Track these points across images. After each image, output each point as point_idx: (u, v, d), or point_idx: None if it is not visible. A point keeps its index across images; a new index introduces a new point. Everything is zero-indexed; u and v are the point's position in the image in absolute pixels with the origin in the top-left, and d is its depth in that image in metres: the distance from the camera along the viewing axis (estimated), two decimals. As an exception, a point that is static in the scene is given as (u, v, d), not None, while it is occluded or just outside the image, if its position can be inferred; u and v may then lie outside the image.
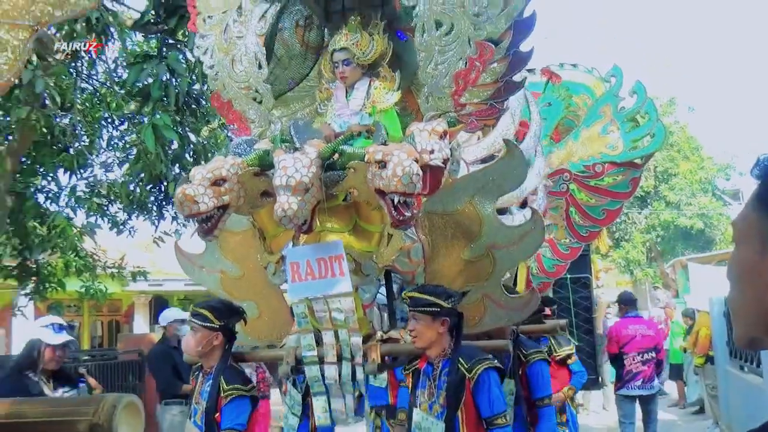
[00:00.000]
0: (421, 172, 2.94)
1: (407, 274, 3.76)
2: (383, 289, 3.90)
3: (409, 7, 3.46)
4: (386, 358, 3.58)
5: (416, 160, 2.96)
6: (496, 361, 3.65)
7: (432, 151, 3.12)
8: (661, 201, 25.95)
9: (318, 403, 3.40)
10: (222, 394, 3.61)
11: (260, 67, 3.66)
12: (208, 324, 3.66)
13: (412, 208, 3.00)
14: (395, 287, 3.91)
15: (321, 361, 3.29)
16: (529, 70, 6.19)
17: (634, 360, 8.37)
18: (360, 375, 3.36)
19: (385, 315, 3.94)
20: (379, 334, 3.60)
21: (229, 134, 4.00)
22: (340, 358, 3.29)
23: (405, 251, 3.59)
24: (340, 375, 3.30)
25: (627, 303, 9.07)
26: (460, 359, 3.52)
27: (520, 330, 4.69)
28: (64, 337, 4.83)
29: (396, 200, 2.93)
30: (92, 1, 1.70)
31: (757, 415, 7.09)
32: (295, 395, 4.59)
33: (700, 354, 10.81)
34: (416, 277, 3.75)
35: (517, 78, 3.53)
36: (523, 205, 4.52)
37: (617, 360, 8.59)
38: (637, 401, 8.51)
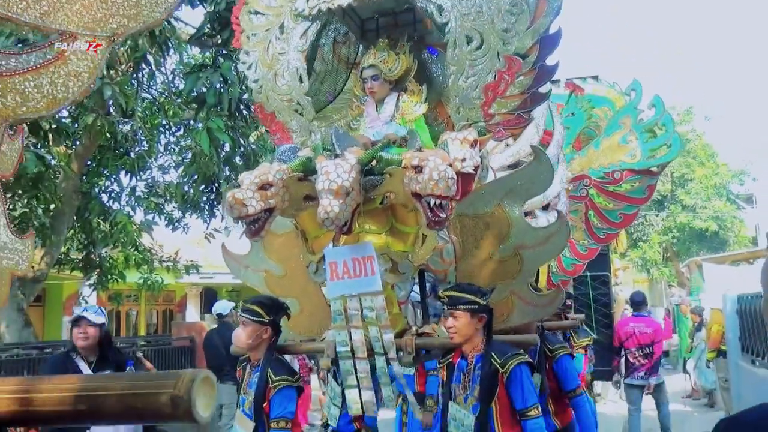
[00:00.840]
0: (455, 176, 2.91)
1: (440, 273, 3.73)
2: (417, 288, 3.87)
3: (442, 23, 3.41)
4: (421, 351, 3.55)
5: (450, 165, 2.93)
6: (527, 356, 3.58)
7: (464, 159, 3.09)
8: (678, 204, 25.71)
9: (350, 395, 3.38)
10: (270, 385, 3.64)
11: (301, 81, 3.67)
12: (259, 319, 3.69)
13: (447, 211, 2.98)
14: (428, 285, 3.88)
15: (353, 354, 3.28)
16: (553, 82, 6.15)
17: (635, 354, 8.63)
18: (397, 368, 3.33)
19: (419, 311, 3.91)
20: (414, 328, 3.58)
21: (274, 140, 3.98)
22: (372, 354, 3.26)
23: (438, 251, 3.57)
24: (373, 369, 3.27)
25: (635, 303, 9.21)
26: (493, 354, 3.47)
27: (545, 326, 4.61)
28: (93, 317, 4.74)
29: (432, 203, 2.91)
30: (163, 13, 1.71)
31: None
32: (336, 387, 4.55)
33: (712, 349, 10.71)
34: (448, 275, 3.72)
35: (542, 90, 3.49)
36: (546, 208, 4.47)
37: (621, 353, 8.88)
38: (645, 390, 8.74)
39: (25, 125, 7.67)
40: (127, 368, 5.09)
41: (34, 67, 1.57)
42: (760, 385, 7.58)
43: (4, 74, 1.55)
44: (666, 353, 13.25)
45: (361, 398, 3.36)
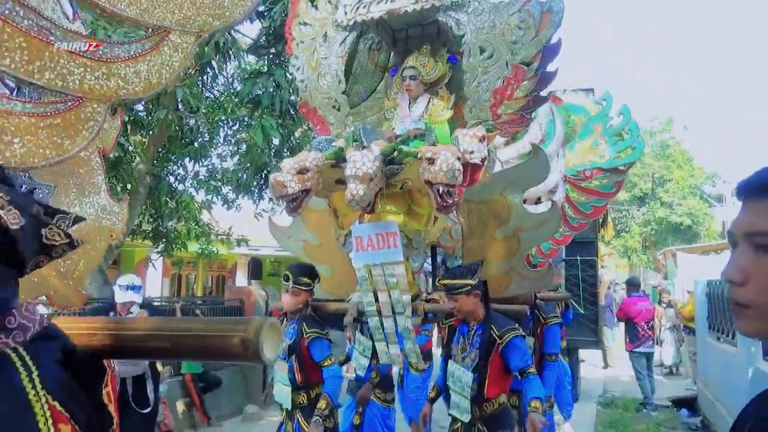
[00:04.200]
0: (462, 168, 2.89)
1: (449, 249, 3.71)
2: (429, 260, 3.84)
3: (459, 36, 3.34)
4: (428, 313, 3.53)
5: (459, 159, 2.89)
6: (520, 329, 3.56)
7: (472, 152, 3.06)
8: (657, 201, 25.50)
9: (380, 347, 3.37)
10: (304, 335, 3.70)
11: (339, 82, 3.64)
12: (307, 288, 3.76)
13: (454, 197, 2.94)
14: (439, 259, 3.85)
15: (379, 313, 3.26)
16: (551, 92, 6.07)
17: (643, 328, 9.21)
18: (409, 324, 3.32)
19: (430, 280, 3.88)
20: (423, 294, 3.55)
21: (315, 131, 3.95)
22: (394, 312, 3.24)
23: (447, 230, 3.54)
24: (396, 326, 3.26)
25: (633, 285, 10.05)
26: (493, 327, 3.45)
27: (540, 297, 4.57)
28: (128, 296, 4.80)
29: (441, 190, 2.88)
30: (242, 14, 1.73)
31: (730, 377, 6.89)
32: (365, 341, 4.54)
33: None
34: (456, 251, 3.70)
35: (543, 93, 3.41)
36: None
37: (631, 327, 9.35)
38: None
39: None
40: None
41: (134, 56, 1.60)
42: (722, 358, 7.52)
43: (109, 60, 1.57)
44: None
45: (388, 349, 3.36)
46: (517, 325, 3.56)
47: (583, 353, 10.25)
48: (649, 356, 9.30)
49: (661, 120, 25.23)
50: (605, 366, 12.28)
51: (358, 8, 3.41)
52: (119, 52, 1.59)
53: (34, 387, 0.94)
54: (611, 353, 12.21)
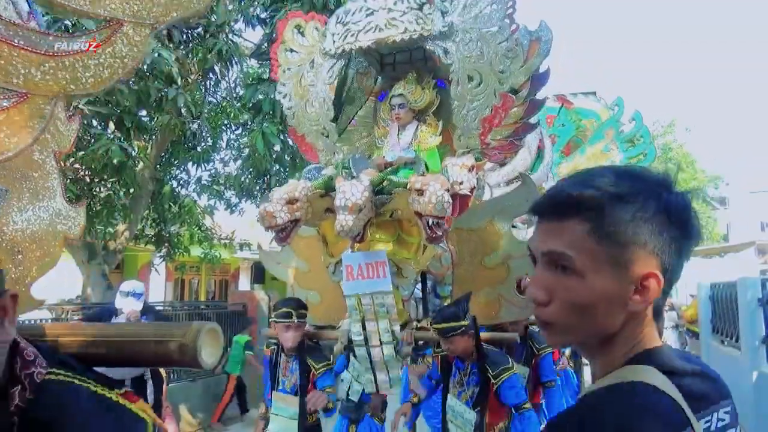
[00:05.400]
0: (451, 200, 2.88)
1: (438, 276, 3.70)
2: (420, 286, 3.83)
3: (447, 64, 3.33)
4: (418, 342, 3.53)
5: (448, 190, 2.88)
6: (513, 366, 3.53)
7: (461, 183, 3.05)
8: (659, 204, 25.16)
9: (366, 377, 3.38)
10: (315, 371, 3.76)
11: (328, 109, 3.61)
12: (304, 320, 3.76)
13: (443, 228, 2.93)
14: (429, 284, 3.84)
15: (366, 343, 3.25)
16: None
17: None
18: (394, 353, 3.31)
19: (420, 307, 3.87)
20: (414, 323, 3.54)
21: (305, 157, 3.95)
22: (381, 342, 3.23)
23: (437, 258, 3.53)
24: (383, 355, 3.26)
25: None
26: (487, 366, 3.42)
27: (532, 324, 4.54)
28: (128, 303, 4.80)
29: (430, 222, 2.87)
30: (201, 6, 1.67)
31: (734, 380, 6.86)
32: (359, 367, 4.52)
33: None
34: (445, 278, 3.68)
35: (532, 120, 3.39)
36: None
37: None
38: None
39: (111, 122, 7.71)
40: None
41: (84, 50, 1.54)
42: (726, 362, 7.47)
43: (56, 54, 1.51)
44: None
45: (375, 378, 3.36)
46: (510, 361, 3.53)
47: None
48: None
49: (662, 123, 25.08)
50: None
51: (346, 37, 3.39)
52: (68, 45, 1.52)
53: None
54: None
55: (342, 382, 4.10)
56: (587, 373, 10.69)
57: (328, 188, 3.18)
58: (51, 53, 1.50)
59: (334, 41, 3.43)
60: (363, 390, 3.84)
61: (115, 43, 1.56)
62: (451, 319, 3.32)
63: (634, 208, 0.90)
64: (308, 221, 3.22)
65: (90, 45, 1.57)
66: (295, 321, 3.69)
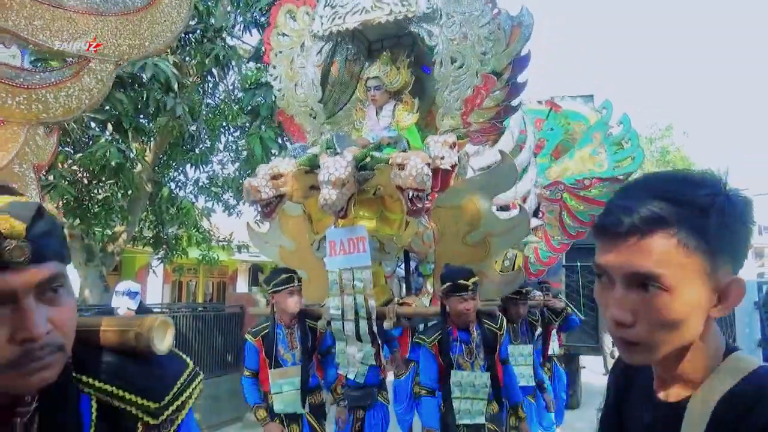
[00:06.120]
0: (431, 174, 2.94)
1: (421, 254, 3.74)
2: (403, 266, 3.88)
3: (432, 46, 3.41)
4: (401, 318, 3.56)
5: (428, 164, 2.95)
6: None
7: (442, 158, 3.11)
8: (657, 207, 25.02)
9: (338, 348, 3.40)
10: (320, 330, 3.69)
11: (316, 90, 3.69)
12: (301, 283, 3.62)
13: (424, 201, 2.99)
14: (412, 264, 3.89)
15: (343, 317, 3.29)
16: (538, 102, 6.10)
17: None
18: (377, 330, 3.34)
19: (403, 285, 3.91)
20: (396, 299, 3.59)
21: (292, 138, 4.01)
22: (357, 317, 3.27)
23: (419, 235, 3.57)
24: (358, 330, 3.28)
25: None
26: (486, 321, 3.40)
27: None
28: (123, 302, 4.78)
29: (411, 194, 2.93)
30: (162, 45, 1.86)
31: None
32: (366, 348, 4.43)
33: None
34: (428, 256, 3.72)
35: (514, 103, 3.47)
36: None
37: None
38: None
39: (109, 125, 7.78)
40: None
41: (55, 83, 1.70)
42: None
43: (30, 87, 1.67)
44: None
45: (346, 349, 3.39)
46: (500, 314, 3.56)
47: (583, 360, 10.16)
48: None
49: (660, 126, 25.07)
50: (606, 373, 12.17)
51: (334, 19, 3.48)
52: (41, 79, 1.68)
53: None
54: (612, 360, 12.13)
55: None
56: (586, 373, 10.61)
57: (313, 165, 3.24)
58: (26, 85, 1.67)
59: (322, 23, 3.52)
60: (368, 372, 3.81)
61: (82, 78, 1.72)
62: (471, 275, 3.25)
63: (714, 214, 0.88)
64: (293, 197, 3.28)
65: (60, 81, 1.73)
66: (297, 285, 3.57)
